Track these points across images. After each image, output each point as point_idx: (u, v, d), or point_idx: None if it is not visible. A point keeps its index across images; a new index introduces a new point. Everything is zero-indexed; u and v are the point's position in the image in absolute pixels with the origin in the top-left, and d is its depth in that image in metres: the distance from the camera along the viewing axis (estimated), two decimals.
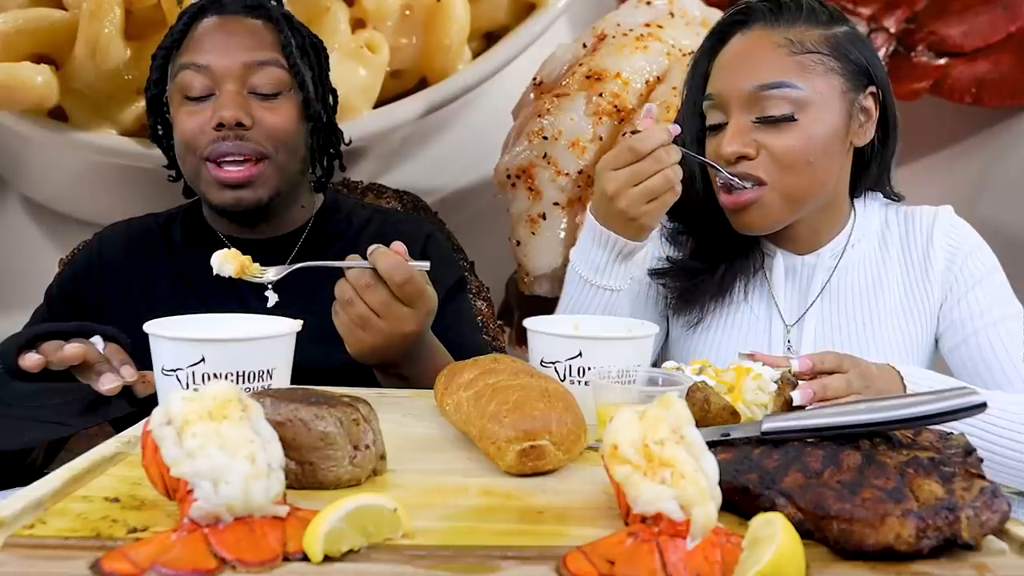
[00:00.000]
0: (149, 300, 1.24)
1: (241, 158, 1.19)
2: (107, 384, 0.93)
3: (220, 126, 1.18)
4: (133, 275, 1.28)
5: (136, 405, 0.96)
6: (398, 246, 1.01)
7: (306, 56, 1.27)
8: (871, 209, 1.19)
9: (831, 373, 0.87)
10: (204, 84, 1.20)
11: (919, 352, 1.14)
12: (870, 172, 1.17)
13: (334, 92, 1.35)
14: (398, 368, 1.09)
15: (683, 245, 1.21)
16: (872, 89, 1.11)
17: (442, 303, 1.23)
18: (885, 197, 1.21)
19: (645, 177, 1.01)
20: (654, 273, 1.20)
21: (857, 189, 1.18)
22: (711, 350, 1.18)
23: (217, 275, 1.24)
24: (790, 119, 1.05)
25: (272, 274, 1.01)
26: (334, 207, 1.37)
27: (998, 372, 1.09)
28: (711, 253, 1.18)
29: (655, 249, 1.24)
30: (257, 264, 1.01)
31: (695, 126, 1.14)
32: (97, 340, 0.98)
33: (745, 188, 1.07)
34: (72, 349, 0.94)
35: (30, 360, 0.94)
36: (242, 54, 1.21)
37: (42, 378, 0.96)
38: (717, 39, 1.14)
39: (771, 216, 1.09)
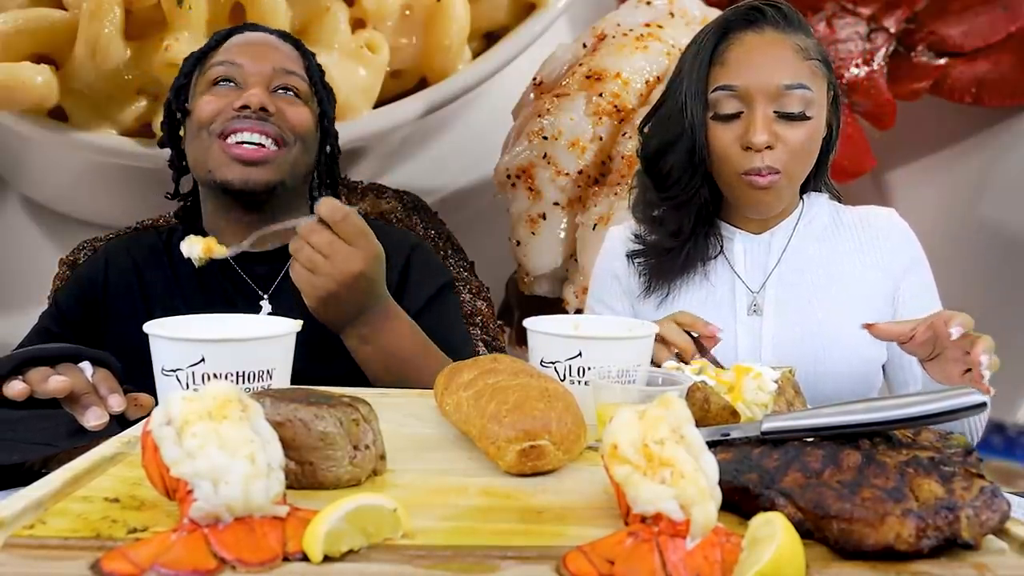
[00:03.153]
0: (154, 312, 1.23)
1: (259, 138, 1.23)
2: (92, 421, 0.91)
3: (244, 107, 1.22)
4: (138, 288, 1.30)
5: (128, 426, 0.94)
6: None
7: (324, 90, 1.35)
8: (819, 202, 1.31)
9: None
10: (234, 76, 1.27)
11: (876, 313, 1.23)
12: (819, 169, 1.30)
13: (336, 136, 1.41)
14: (361, 330, 1.13)
15: (656, 226, 1.31)
16: (833, 91, 1.25)
17: (424, 308, 1.29)
18: (830, 196, 1.33)
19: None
20: (632, 254, 1.33)
21: (805, 184, 1.30)
22: None
23: (217, 287, 1.26)
24: (805, 117, 1.17)
25: (234, 250, 1.13)
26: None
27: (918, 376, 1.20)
28: (687, 228, 1.28)
29: (628, 232, 1.35)
30: (221, 245, 1.12)
31: (701, 110, 1.21)
32: (86, 366, 0.96)
33: (773, 172, 1.18)
34: (57, 383, 0.91)
35: (14, 390, 0.92)
36: (273, 61, 1.29)
37: (28, 405, 0.94)
38: (723, 33, 1.22)
39: (783, 198, 1.23)
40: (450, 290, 1.37)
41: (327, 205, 1.08)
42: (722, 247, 1.29)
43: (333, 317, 1.12)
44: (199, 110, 1.26)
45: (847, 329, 1.19)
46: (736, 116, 1.18)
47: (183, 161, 1.34)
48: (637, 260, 1.32)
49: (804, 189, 1.31)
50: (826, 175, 1.33)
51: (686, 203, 1.26)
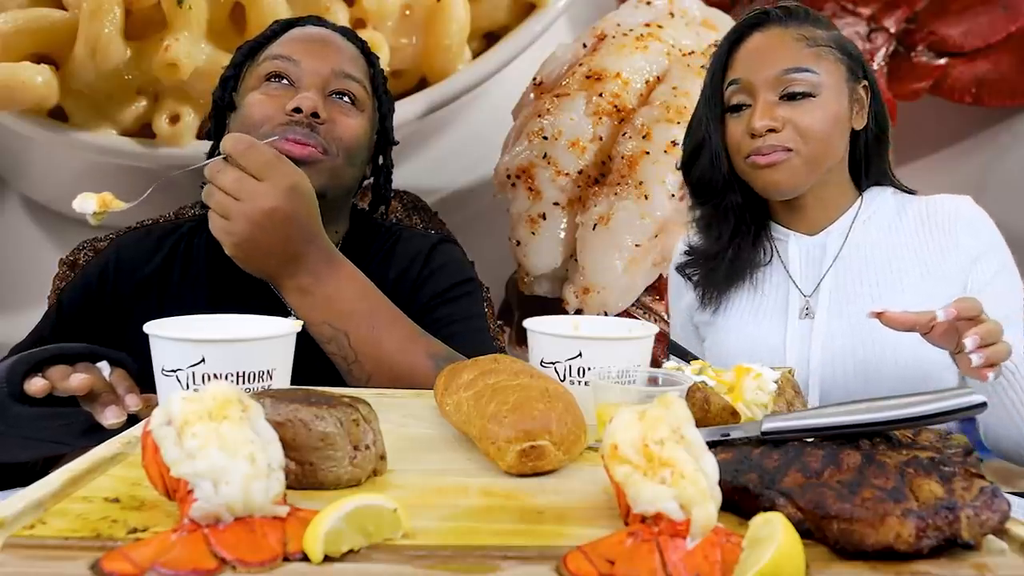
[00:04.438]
0: (167, 305, 1.21)
1: (307, 144, 1.16)
2: (110, 419, 0.92)
3: (296, 111, 1.16)
4: (152, 278, 1.25)
5: None
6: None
7: (384, 93, 1.30)
8: (880, 198, 1.28)
9: (971, 319, 0.94)
10: (289, 73, 1.20)
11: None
12: (871, 163, 1.29)
13: (392, 131, 1.35)
14: (301, 280, 1.04)
15: (706, 235, 1.32)
16: (865, 83, 1.26)
17: (438, 304, 1.24)
18: (898, 190, 1.30)
19: None
20: (681, 266, 1.34)
21: (863, 179, 1.29)
22: (735, 329, 1.27)
23: (229, 286, 1.21)
24: (810, 95, 1.19)
25: (131, 204, 1.04)
26: (360, 233, 1.33)
27: None
28: (726, 234, 1.29)
29: (682, 246, 1.37)
30: (118, 201, 1.04)
31: (716, 110, 1.25)
32: (104, 366, 0.97)
33: (782, 150, 1.19)
34: (78, 381, 0.92)
35: (35, 386, 0.93)
36: (333, 62, 1.21)
37: (46, 402, 0.95)
38: (735, 39, 1.26)
39: (797, 177, 1.21)
40: (469, 287, 1.31)
41: (230, 139, 1.00)
42: (776, 251, 1.29)
43: (261, 266, 1.03)
44: (249, 109, 1.19)
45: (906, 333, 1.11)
46: (743, 108, 1.22)
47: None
48: (688, 270, 1.33)
49: (865, 185, 1.29)
50: (887, 168, 1.30)
51: (720, 207, 1.27)
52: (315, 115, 1.16)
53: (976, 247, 1.20)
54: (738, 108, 1.22)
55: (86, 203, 1.02)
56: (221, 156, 1.00)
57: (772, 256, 1.29)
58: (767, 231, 1.30)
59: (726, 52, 1.26)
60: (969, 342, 0.91)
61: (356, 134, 1.22)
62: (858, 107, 1.25)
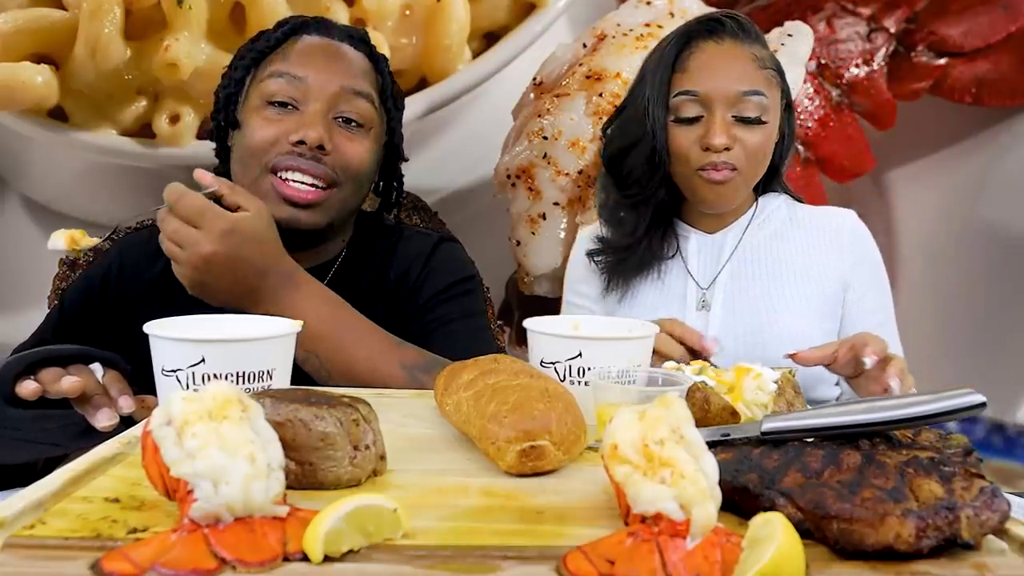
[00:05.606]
0: (169, 306, 1.21)
1: (311, 180, 1.15)
2: (103, 421, 0.91)
3: (300, 143, 1.14)
4: (155, 280, 1.24)
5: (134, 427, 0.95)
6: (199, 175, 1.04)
7: (393, 102, 1.27)
8: (775, 202, 1.39)
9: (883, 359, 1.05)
10: (293, 95, 1.17)
11: (822, 308, 1.30)
12: (774, 172, 1.38)
13: (402, 139, 1.33)
14: (265, 308, 1.04)
15: (616, 226, 1.39)
16: (786, 100, 1.33)
17: (438, 303, 1.24)
18: (790, 196, 1.41)
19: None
20: (591, 253, 1.40)
21: (760, 185, 1.38)
22: (639, 317, 1.26)
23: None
24: (760, 120, 1.26)
25: (99, 239, 1.09)
26: (364, 236, 1.32)
27: None
28: (642, 228, 1.35)
29: (592, 233, 1.43)
30: (88, 238, 1.09)
31: (663, 112, 1.29)
32: (96, 367, 0.97)
33: (729, 169, 1.26)
34: (70, 384, 0.92)
35: (27, 389, 0.93)
36: (341, 78, 1.18)
37: (39, 404, 0.94)
38: (684, 42, 1.30)
39: (738, 194, 1.31)
40: (469, 285, 1.30)
41: (168, 189, 1.01)
42: (679, 247, 1.37)
43: (221, 302, 1.04)
44: (251, 134, 1.17)
45: (794, 327, 1.26)
46: (696, 119, 1.27)
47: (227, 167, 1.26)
48: (597, 259, 1.39)
49: (761, 191, 1.39)
50: (782, 178, 1.42)
51: (644, 202, 1.34)
52: (320, 148, 1.15)
53: (855, 255, 1.33)
54: (690, 118, 1.26)
55: (56, 242, 1.06)
56: (166, 207, 1.01)
57: (676, 251, 1.37)
58: (672, 227, 1.38)
59: (674, 55, 1.29)
60: (868, 361, 1.03)
61: (363, 159, 1.20)
62: (781, 124, 1.32)
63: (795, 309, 1.28)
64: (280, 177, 1.16)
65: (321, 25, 1.25)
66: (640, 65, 1.39)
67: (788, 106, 1.35)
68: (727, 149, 1.25)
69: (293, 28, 1.24)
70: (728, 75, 1.26)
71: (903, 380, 1.05)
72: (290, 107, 1.17)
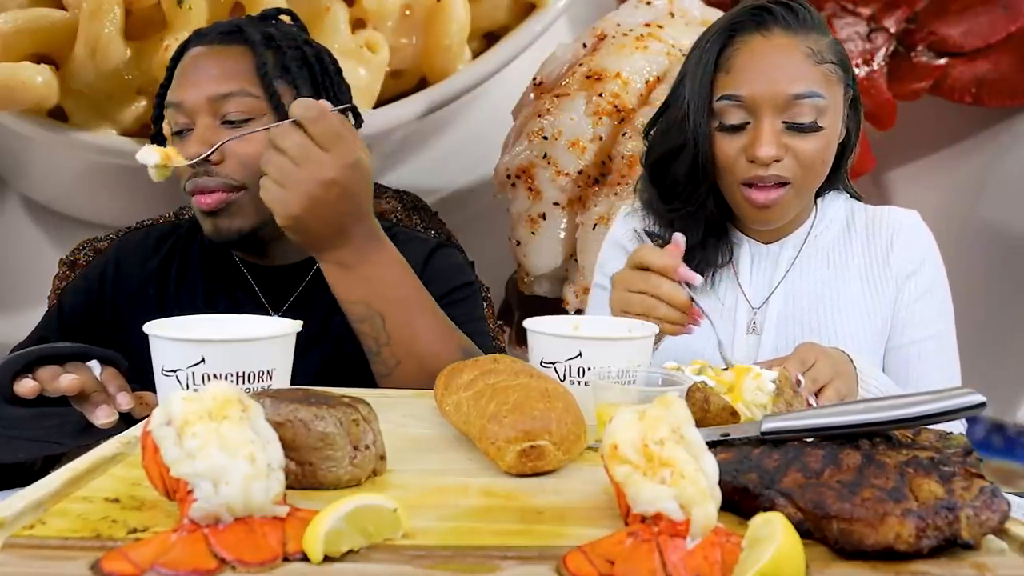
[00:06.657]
0: (165, 306, 1.23)
1: (211, 192, 1.14)
2: (102, 418, 0.91)
3: (195, 164, 1.13)
4: (150, 279, 1.25)
5: (133, 424, 0.95)
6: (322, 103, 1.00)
7: (291, 73, 1.19)
8: (834, 205, 1.27)
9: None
10: (182, 120, 1.16)
11: (877, 337, 1.20)
12: (836, 170, 1.23)
13: (348, 93, 1.27)
14: (342, 254, 1.03)
15: (669, 231, 1.25)
16: (851, 93, 1.19)
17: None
18: (850, 195, 1.29)
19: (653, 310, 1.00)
20: (651, 234, 1.25)
21: (822, 186, 1.24)
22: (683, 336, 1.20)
23: (234, 293, 1.21)
24: (816, 125, 1.12)
25: (194, 160, 1.09)
26: None
27: (914, 383, 1.18)
28: (698, 235, 1.21)
29: (633, 214, 1.30)
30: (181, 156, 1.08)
31: (705, 118, 1.15)
32: (94, 365, 0.97)
33: (778, 185, 1.13)
34: (67, 381, 0.92)
35: (25, 387, 0.93)
36: (208, 87, 1.15)
37: (37, 402, 0.95)
38: (728, 36, 1.16)
39: (788, 210, 1.18)
40: (467, 291, 1.29)
41: (302, 104, 0.98)
42: (732, 255, 1.24)
43: (307, 236, 1.02)
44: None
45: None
46: (742, 127, 1.13)
47: None
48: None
49: (820, 192, 1.26)
50: (845, 178, 1.27)
51: (693, 215, 1.21)
52: (207, 160, 1.13)
53: (911, 263, 1.21)
54: (735, 126, 1.13)
55: (149, 155, 1.01)
56: (290, 120, 0.99)
57: (729, 258, 1.24)
58: (727, 233, 1.25)
59: (716, 52, 1.15)
60: (805, 391, 0.90)
61: (256, 154, 1.10)
62: (846, 118, 1.19)
63: (850, 345, 1.11)
64: (195, 197, 1.16)
65: (200, 34, 1.23)
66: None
67: (855, 101, 1.20)
68: (776, 161, 1.11)
69: (182, 48, 1.22)
70: (777, 75, 1.11)
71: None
72: (184, 132, 1.17)
